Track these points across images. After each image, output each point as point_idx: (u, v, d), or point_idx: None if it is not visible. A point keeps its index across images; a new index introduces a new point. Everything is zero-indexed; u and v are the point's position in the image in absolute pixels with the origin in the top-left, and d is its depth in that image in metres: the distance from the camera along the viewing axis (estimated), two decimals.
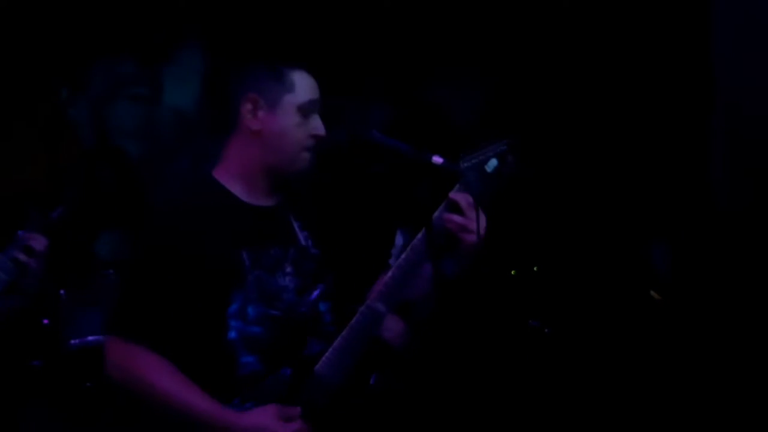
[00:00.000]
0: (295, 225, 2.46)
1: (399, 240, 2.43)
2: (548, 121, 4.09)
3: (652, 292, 3.77)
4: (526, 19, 4.29)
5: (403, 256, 2.32)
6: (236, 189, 2.39)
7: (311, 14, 4.31)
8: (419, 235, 2.30)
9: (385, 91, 4.25)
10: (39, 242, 2.89)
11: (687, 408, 3.54)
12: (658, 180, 4.02)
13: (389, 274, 2.32)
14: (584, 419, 3.57)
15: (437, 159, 2.26)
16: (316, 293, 2.41)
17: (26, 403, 3.66)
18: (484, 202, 2.28)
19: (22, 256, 2.86)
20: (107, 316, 2.38)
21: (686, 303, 3.74)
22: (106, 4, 4.29)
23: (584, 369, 3.66)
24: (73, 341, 3.65)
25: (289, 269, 2.38)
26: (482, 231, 2.26)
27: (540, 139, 3.77)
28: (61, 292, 3.68)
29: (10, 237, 2.93)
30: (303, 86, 2.38)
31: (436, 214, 2.30)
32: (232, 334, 2.29)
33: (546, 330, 3.63)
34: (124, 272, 2.40)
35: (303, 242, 2.44)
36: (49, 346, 3.68)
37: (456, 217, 2.28)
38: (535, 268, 3.81)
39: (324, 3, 4.29)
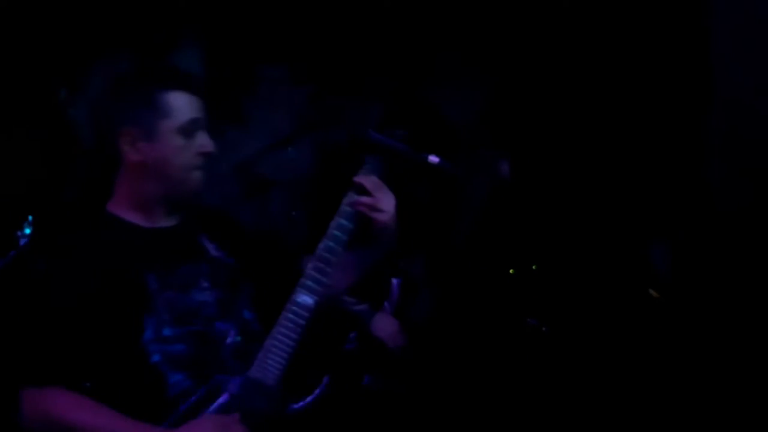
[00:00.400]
0: (203, 238, 2.42)
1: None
2: (547, 120, 4.10)
3: (651, 291, 3.77)
4: (525, 18, 4.29)
5: (320, 245, 2.31)
6: (133, 218, 2.35)
7: (310, 14, 4.31)
8: (333, 223, 2.32)
9: (384, 91, 4.25)
10: None
11: (686, 407, 3.53)
12: (657, 179, 4.02)
13: (310, 265, 2.30)
14: (583, 418, 3.57)
15: (433, 158, 2.29)
16: (238, 302, 2.38)
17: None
18: (389, 180, 2.33)
19: None
20: (13, 372, 2.26)
21: (685, 302, 3.74)
22: (105, 4, 4.29)
23: (583, 367, 3.66)
24: None
25: (205, 284, 2.34)
26: (391, 209, 2.32)
27: (539, 139, 3.77)
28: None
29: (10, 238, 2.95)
30: (179, 107, 2.30)
31: (344, 200, 2.33)
32: (155, 357, 2.24)
33: (544, 328, 3.63)
34: (20, 320, 2.27)
35: (214, 253, 2.40)
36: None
37: (364, 199, 2.32)
38: (533, 267, 3.81)
39: (323, 3, 4.29)
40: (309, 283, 2.28)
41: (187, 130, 2.31)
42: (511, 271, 3.78)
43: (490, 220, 3.43)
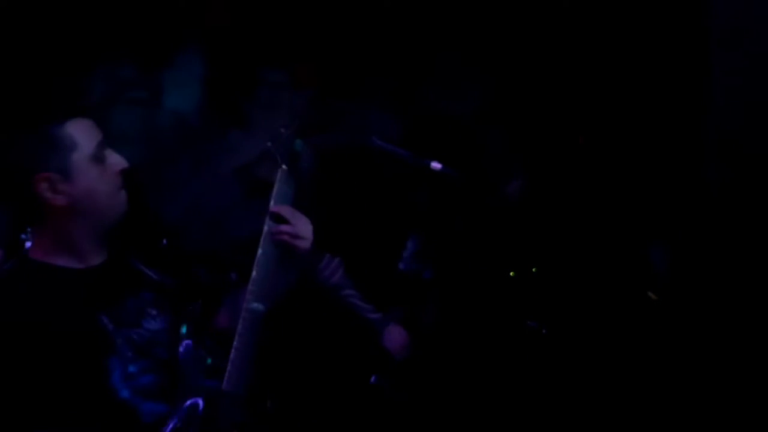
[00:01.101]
0: (138, 265, 2.39)
1: (411, 245, 2.46)
2: (547, 122, 4.10)
3: (650, 293, 3.78)
4: (525, 18, 4.30)
5: (260, 251, 2.33)
6: (65, 261, 2.27)
7: (311, 18, 4.32)
8: (258, 252, 2.33)
9: (384, 94, 4.26)
10: None
11: (686, 408, 3.55)
12: (655, 181, 4.02)
13: (253, 273, 2.32)
14: (582, 420, 3.58)
15: (436, 165, 2.29)
16: (187, 323, 2.35)
17: None
18: (302, 203, 2.40)
19: None
20: None
21: (684, 304, 3.75)
22: (105, 8, 4.30)
23: (583, 369, 3.66)
24: None
25: (153, 312, 2.33)
26: (310, 235, 2.37)
27: (539, 141, 3.78)
28: None
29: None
30: (82, 136, 2.25)
31: (265, 229, 2.36)
32: (124, 393, 2.23)
33: (544, 330, 3.64)
34: None
35: (154, 278, 2.38)
36: None
37: (284, 227, 2.35)
38: (533, 270, 3.82)
39: (324, 7, 4.30)
40: (254, 290, 2.31)
41: (98, 156, 2.25)
42: (511, 273, 3.79)
43: (492, 225, 3.43)
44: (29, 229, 2.34)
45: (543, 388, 3.59)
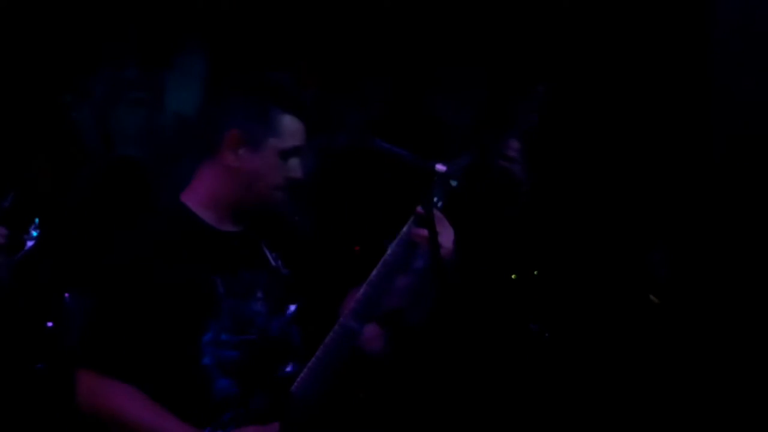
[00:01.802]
0: (264, 247, 2.44)
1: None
2: (547, 126, 4.10)
3: (651, 296, 3.79)
4: (525, 21, 4.30)
5: (374, 272, 2.32)
6: (205, 215, 2.36)
7: (312, 19, 4.32)
8: (389, 250, 2.32)
9: (385, 96, 4.26)
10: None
11: (686, 411, 3.55)
12: (656, 185, 4.03)
13: (362, 290, 2.31)
14: (584, 423, 3.58)
15: (440, 167, 2.28)
16: (287, 315, 2.41)
17: (28, 405, 3.67)
18: (450, 215, 2.34)
19: None
20: (76, 348, 2.33)
21: (685, 307, 3.76)
22: (109, 9, 4.31)
23: (584, 372, 3.67)
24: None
25: (260, 294, 2.37)
26: (450, 244, 2.31)
27: (540, 144, 3.78)
28: (66, 295, 3.69)
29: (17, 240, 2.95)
30: (290, 131, 2.36)
31: (404, 228, 2.33)
32: (207, 360, 2.27)
33: (546, 334, 3.64)
34: (92, 300, 2.32)
35: (273, 263, 2.43)
36: (53, 349, 3.69)
37: (424, 231, 2.29)
38: (535, 272, 3.82)
39: (324, 7, 4.30)
40: (358, 307, 2.30)
41: (288, 155, 2.37)
42: (512, 276, 3.79)
43: (494, 225, 3.43)
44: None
45: (544, 390, 3.60)
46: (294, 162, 2.39)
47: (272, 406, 2.28)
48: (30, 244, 3.32)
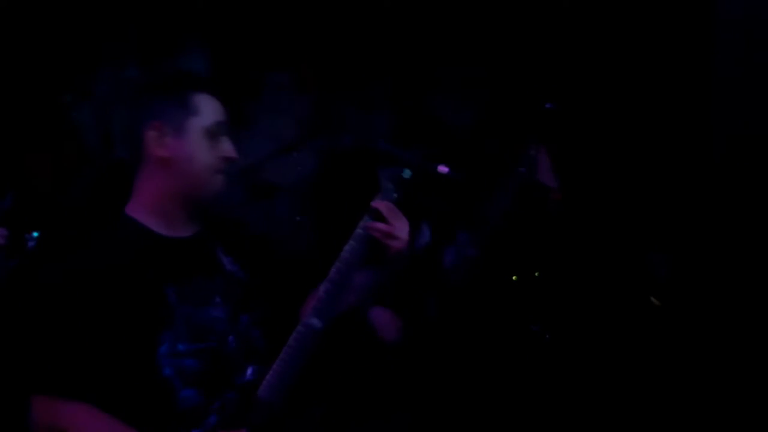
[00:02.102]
0: (219, 251, 2.40)
1: (425, 235, 2.43)
2: (548, 127, 4.11)
3: (652, 298, 3.79)
4: (526, 20, 4.30)
5: (333, 269, 2.30)
6: (152, 223, 2.31)
7: (315, 21, 4.33)
8: (347, 247, 2.31)
9: (387, 97, 4.26)
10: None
11: (687, 413, 3.56)
12: (657, 186, 4.03)
13: (322, 288, 2.29)
14: (584, 424, 3.58)
15: (443, 168, 2.28)
16: (246, 319, 2.36)
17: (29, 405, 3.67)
18: (403, 207, 2.33)
19: None
20: (26, 375, 2.24)
21: (686, 309, 3.76)
22: (110, 8, 4.31)
23: (585, 374, 3.67)
24: None
25: (218, 299, 2.32)
26: (405, 236, 2.32)
27: (541, 145, 3.78)
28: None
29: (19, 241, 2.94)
30: (207, 109, 2.31)
31: (360, 223, 2.32)
32: (167, 371, 2.21)
33: (547, 335, 3.64)
34: (35, 322, 2.24)
35: (229, 268, 2.39)
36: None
37: (380, 225, 2.30)
38: (536, 274, 3.82)
39: (328, 10, 4.31)
40: (319, 306, 2.27)
41: (213, 132, 2.31)
42: (513, 277, 3.80)
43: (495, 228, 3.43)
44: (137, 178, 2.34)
45: (545, 392, 3.60)
46: (225, 143, 2.33)
47: (239, 412, 2.24)
48: (31, 244, 3.31)
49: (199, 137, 2.29)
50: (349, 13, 4.31)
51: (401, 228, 2.33)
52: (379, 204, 2.33)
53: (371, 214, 2.32)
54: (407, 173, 2.36)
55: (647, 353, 3.68)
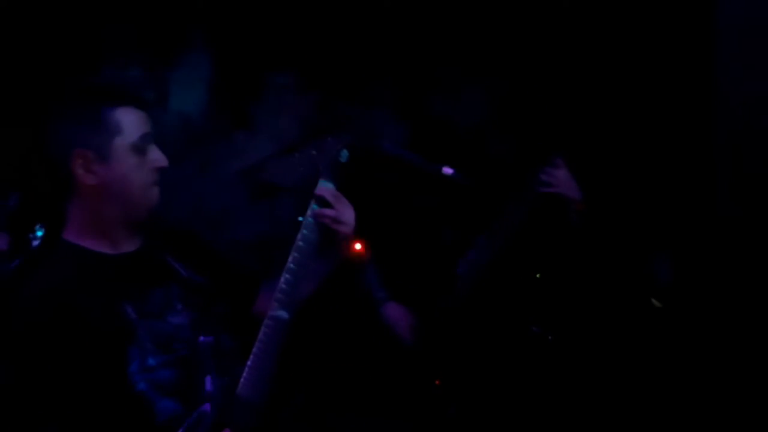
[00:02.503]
0: (169, 259, 2.36)
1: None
2: (551, 130, 4.11)
3: (654, 300, 3.79)
4: (528, 24, 4.30)
5: (290, 259, 2.31)
6: (94, 244, 2.25)
7: (317, 21, 4.33)
8: (299, 236, 2.33)
9: (390, 98, 4.27)
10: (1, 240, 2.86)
11: (688, 414, 3.56)
12: (659, 189, 4.03)
13: (281, 279, 2.30)
14: (586, 425, 3.59)
15: (447, 170, 2.28)
16: (210, 322, 2.33)
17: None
18: (344, 190, 2.39)
19: None
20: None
21: (687, 311, 3.76)
22: (111, 8, 4.31)
23: (586, 375, 3.67)
24: None
25: (179, 306, 2.30)
26: (352, 220, 2.37)
27: (543, 147, 3.79)
28: None
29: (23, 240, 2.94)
30: (129, 124, 2.22)
31: (308, 212, 2.36)
32: (141, 386, 2.19)
33: (549, 337, 3.65)
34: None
35: (184, 274, 2.35)
36: None
37: (327, 211, 2.35)
38: (537, 275, 3.82)
39: (330, 11, 4.31)
40: (282, 297, 2.28)
41: (140, 147, 2.23)
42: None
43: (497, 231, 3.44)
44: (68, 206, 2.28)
45: (547, 392, 3.60)
46: (153, 153, 2.27)
47: (220, 414, 2.22)
48: (35, 243, 3.31)
49: (126, 157, 2.22)
50: (351, 12, 4.31)
51: (347, 213, 2.37)
52: (323, 190, 2.37)
53: (317, 201, 2.36)
54: (344, 156, 2.41)
55: (649, 355, 3.68)
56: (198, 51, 4.41)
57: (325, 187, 2.37)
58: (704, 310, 3.71)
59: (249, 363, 2.25)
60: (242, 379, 2.23)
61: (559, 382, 3.61)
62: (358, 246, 3.91)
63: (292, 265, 2.30)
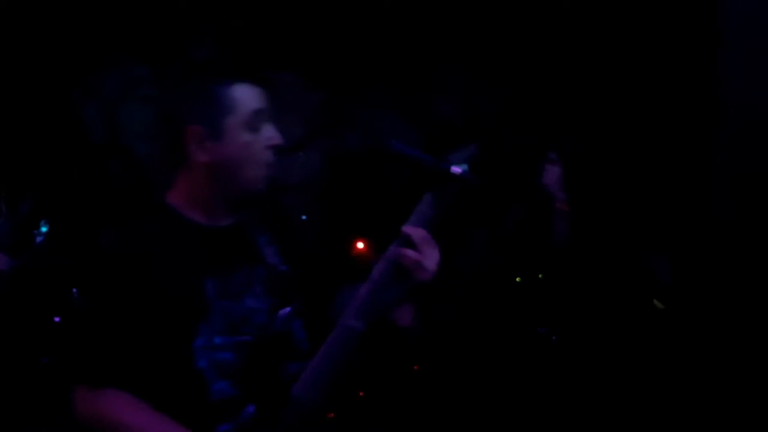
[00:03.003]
0: (260, 241, 2.31)
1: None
2: (553, 130, 4.12)
3: (655, 301, 3.80)
4: (531, 22, 4.32)
5: (374, 272, 2.19)
6: (192, 213, 2.23)
7: (323, 20, 4.34)
8: (388, 252, 2.18)
9: (395, 96, 4.28)
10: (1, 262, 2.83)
11: (689, 413, 3.57)
12: (660, 189, 4.04)
13: (363, 289, 2.18)
14: (589, 424, 3.60)
15: (456, 169, 2.19)
16: (287, 312, 2.29)
17: (33, 400, 3.68)
18: (438, 227, 2.21)
19: None
20: (66, 367, 2.22)
21: (688, 312, 3.78)
22: (118, 6, 4.32)
23: (590, 375, 3.69)
24: None
25: (258, 289, 2.25)
26: (434, 267, 2.16)
27: (545, 148, 3.80)
28: (74, 290, 3.69)
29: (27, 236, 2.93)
30: (243, 101, 2.18)
31: (390, 248, 2.18)
32: (202, 363, 2.17)
33: (553, 337, 3.66)
34: (77, 314, 2.23)
35: (270, 259, 2.30)
36: (59, 344, 3.69)
37: (410, 253, 2.16)
38: (540, 276, 3.84)
39: (335, 9, 4.32)
40: (361, 308, 2.15)
41: (253, 124, 2.18)
42: (517, 279, 3.81)
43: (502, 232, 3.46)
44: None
45: (551, 392, 3.61)
46: (267, 131, 2.21)
47: (271, 409, 2.18)
48: (40, 240, 3.32)
49: (239, 134, 2.17)
50: (355, 10, 4.32)
51: (431, 258, 2.17)
52: (412, 230, 2.18)
53: (401, 241, 2.17)
54: (462, 171, 2.21)
55: (650, 355, 3.69)
56: (203, 50, 4.42)
57: (414, 226, 2.17)
58: (706, 310, 3.72)
59: (311, 364, 2.16)
60: (300, 379, 2.16)
61: (563, 382, 3.62)
62: (360, 245, 3.92)
63: (376, 277, 2.17)
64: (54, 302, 3.70)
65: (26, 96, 4.17)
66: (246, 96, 2.18)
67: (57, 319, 3.70)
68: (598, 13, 4.24)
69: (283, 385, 2.19)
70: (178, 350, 2.15)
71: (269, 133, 2.22)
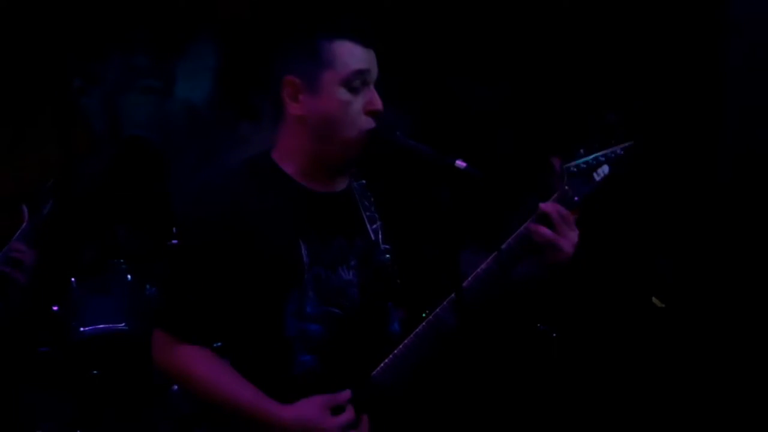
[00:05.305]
0: (365, 215, 2.20)
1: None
2: (557, 128, 4.12)
3: (655, 299, 3.80)
4: (534, 19, 4.31)
5: (482, 266, 2.08)
6: (294, 172, 2.13)
7: (322, 11, 4.32)
8: (504, 245, 2.07)
9: (404, 89, 4.26)
10: (27, 256, 2.77)
11: (690, 412, 3.57)
12: (662, 191, 4.04)
13: (467, 282, 2.08)
14: (588, 422, 3.60)
15: (460, 163, 2.11)
16: (382, 291, 2.18)
17: (32, 390, 3.68)
18: (579, 212, 2.07)
19: (8, 270, 2.76)
20: (155, 305, 2.24)
21: (690, 311, 3.78)
22: None
23: (590, 372, 3.69)
24: (83, 329, 3.66)
25: (353, 262, 2.14)
26: (570, 249, 2.05)
27: (547, 149, 3.79)
28: (72, 280, 3.69)
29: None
30: (345, 58, 2.06)
31: (525, 224, 2.07)
32: (290, 332, 2.08)
33: (553, 334, 3.66)
34: (173, 259, 2.17)
35: (372, 235, 2.19)
36: (58, 333, 3.69)
37: (546, 231, 2.04)
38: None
39: (338, 6, 4.31)
40: (459, 302, 2.03)
41: (352, 84, 2.06)
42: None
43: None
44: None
45: (551, 389, 3.61)
46: (368, 94, 2.09)
47: (350, 387, 2.09)
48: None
49: (335, 91, 2.06)
50: (356, 5, 4.31)
51: (569, 241, 2.05)
52: (550, 207, 2.06)
53: (538, 217, 2.06)
54: (602, 172, 2.11)
55: (650, 353, 3.69)
56: (205, 42, 4.42)
57: (555, 204, 2.06)
58: (706, 309, 3.72)
59: (396, 351, 2.09)
60: (383, 363, 2.09)
61: (563, 379, 3.62)
62: None
63: (482, 273, 2.07)
64: (53, 291, 3.70)
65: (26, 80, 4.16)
66: (348, 53, 2.07)
67: (55, 308, 3.70)
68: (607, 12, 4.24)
69: (365, 366, 2.11)
70: (270, 314, 2.08)
71: (370, 96, 2.10)
